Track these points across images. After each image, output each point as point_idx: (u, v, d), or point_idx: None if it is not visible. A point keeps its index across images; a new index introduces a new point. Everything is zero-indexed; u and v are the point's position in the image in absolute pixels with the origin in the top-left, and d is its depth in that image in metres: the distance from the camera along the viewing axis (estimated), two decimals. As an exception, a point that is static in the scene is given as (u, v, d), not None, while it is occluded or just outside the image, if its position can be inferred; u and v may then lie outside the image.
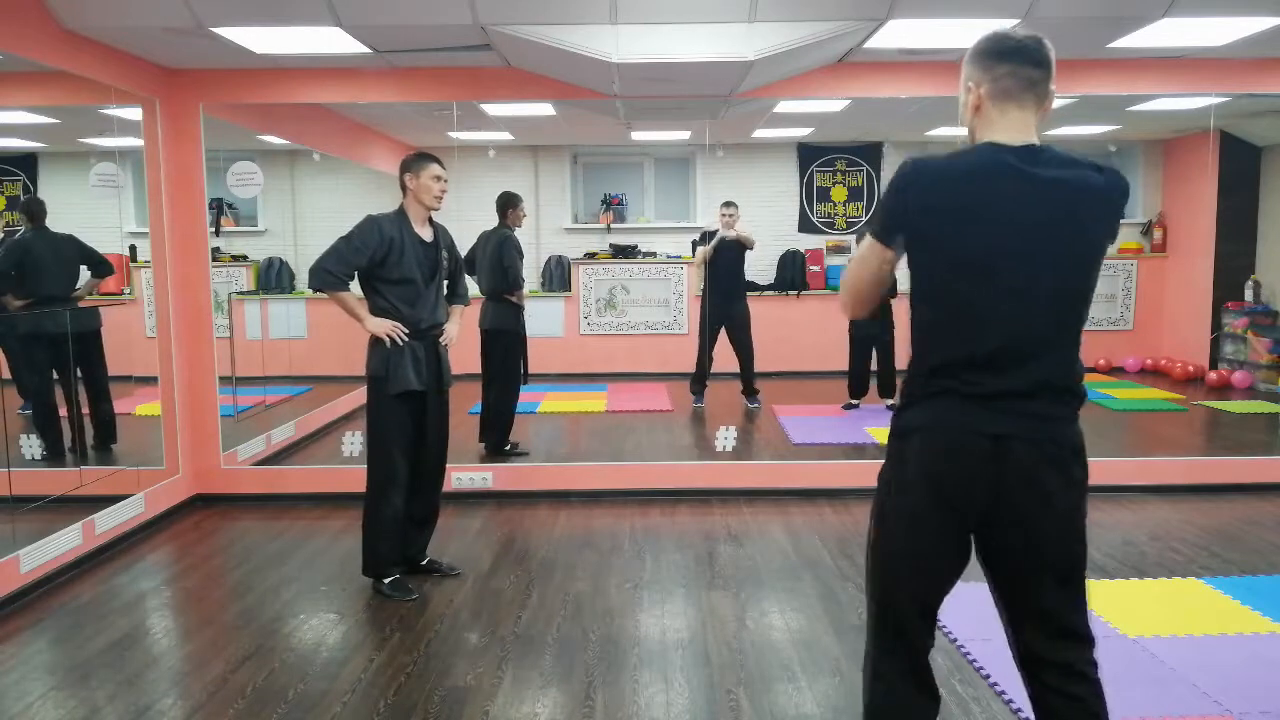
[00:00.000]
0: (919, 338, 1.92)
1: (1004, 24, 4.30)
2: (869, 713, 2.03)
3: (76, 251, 5.45)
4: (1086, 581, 1.93)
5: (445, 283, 3.99)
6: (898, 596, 1.97)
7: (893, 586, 1.97)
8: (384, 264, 3.74)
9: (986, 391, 1.83)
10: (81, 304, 5.49)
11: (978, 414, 1.83)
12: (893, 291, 8.32)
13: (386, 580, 3.88)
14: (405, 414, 3.82)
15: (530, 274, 9.35)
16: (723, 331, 7.45)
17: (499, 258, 5.89)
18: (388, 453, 3.81)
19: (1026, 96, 1.85)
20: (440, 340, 3.91)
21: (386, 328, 3.74)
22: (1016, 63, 1.84)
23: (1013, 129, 1.85)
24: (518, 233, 6.06)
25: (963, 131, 1.97)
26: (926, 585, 1.95)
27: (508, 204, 6.02)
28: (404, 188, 3.85)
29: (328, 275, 3.70)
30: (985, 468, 1.83)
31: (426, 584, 3.99)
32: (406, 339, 3.76)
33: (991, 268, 1.82)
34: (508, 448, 6.12)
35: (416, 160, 3.84)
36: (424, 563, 4.09)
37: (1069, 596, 1.91)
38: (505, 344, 6.00)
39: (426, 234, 3.88)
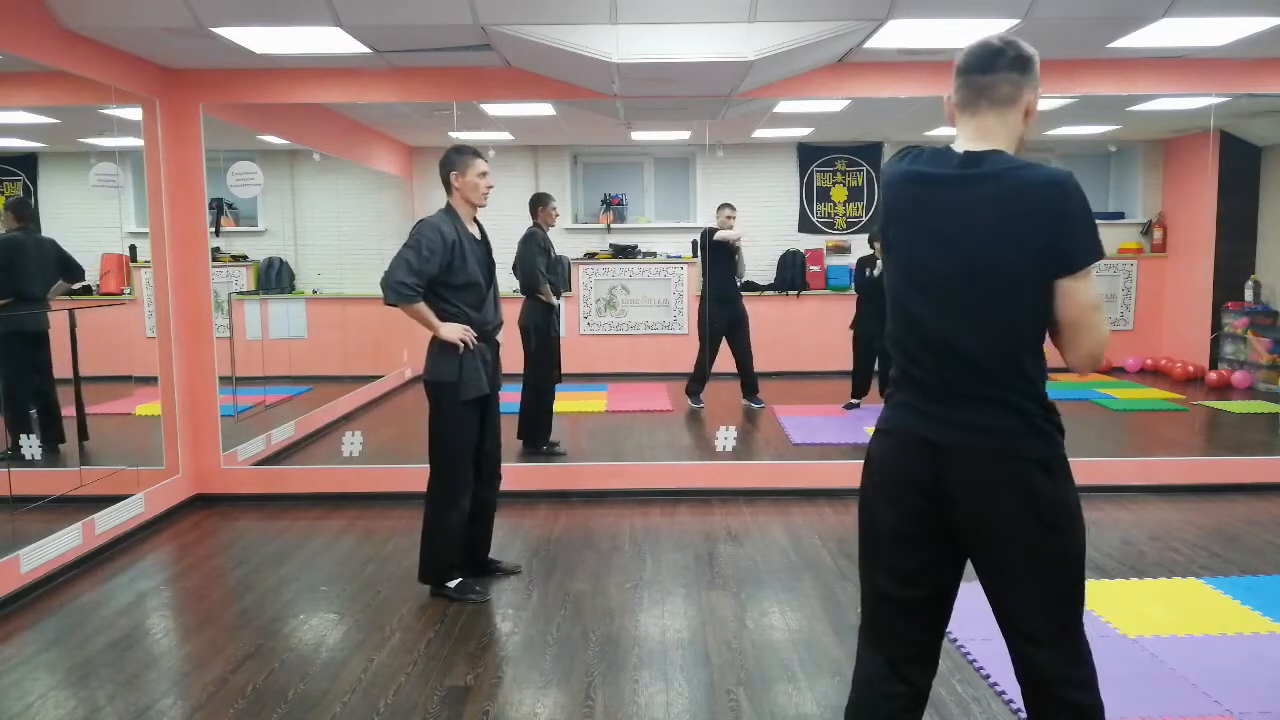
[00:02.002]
0: (890, 342, 2.00)
1: (1003, 24, 4.32)
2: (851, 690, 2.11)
3: (55, 254, 5.50)
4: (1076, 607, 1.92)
5: None
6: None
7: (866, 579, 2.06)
8: (450, 269, 3.62)
9: (927, 400, 1.89)
10: (84, 304, 5.52)
11: (920, 422, 1.90)
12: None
13: (451, 584, 3.85)
14: (474, 418, 3.77)
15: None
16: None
17: (517, 255, 5.96)
18: (461, 459, 3.76)
19: (979, 103, 1.88)
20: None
21: (459, 333, 3.64)
22: (966, 74, 1.90)
23: (968, 135, 1.90)
24: (551, 233, 6.14)
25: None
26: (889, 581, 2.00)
27: (537, 203, 6.08)
28: (448, 186, 3.72)
29: (404, 288, 3.52)
30: (921, 470, 1.88)
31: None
32: (477, 343, 3.70)
33: (920, 275, 1.89)
34: (545, 447, 6.15)
35: (460, 157, 3.69)
36: (485, 562, 4.08)
37: (1049, 621, 1.90)
38: (534, 341, 6.02)
39: (475, 232, 3.80)
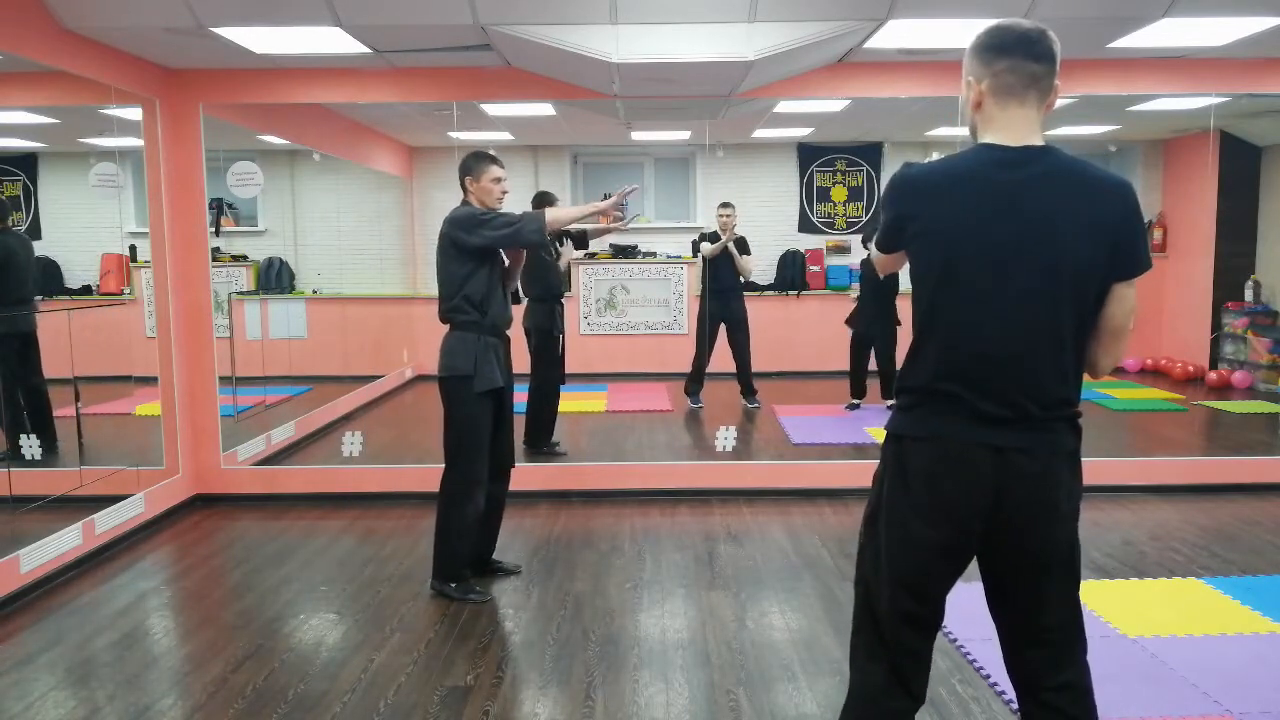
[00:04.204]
0: (914, 343, 1.91)
1: (1004, 24, 4.32)
2: (848, 701, 2.04)
3: (34, 254, 5.50)
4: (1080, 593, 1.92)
5: None
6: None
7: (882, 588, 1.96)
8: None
9: (983, 405, 1.80)
10: (84, 304, 5.52)
11: (976, 428, 1.81)
12: (895, 290, 8.17)
13: (456, 584, 3.85)
14: (488, 412, 3.81)
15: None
16: (721, 330, 7.47)
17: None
18: (477, 453, 3.78)
19: (1028, 93, 1.79)
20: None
21: (615, 200, 3.84)
22: (1017, 58, 1.78)
23: (1013, 127, 1.81)
24: None
25: (963, 131, 1.95)
26: (912, 590, 1.93)
27: (541, 204, 6.03)
28: (465, 190, 3.81)
29: (525, 230, 3.64)
30: (983, 478, 1.80)
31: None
32: (489, 338, 3.77)
33: (963, 275, 1.80)
34: (545, 448, 6.14)
35: (476, 162, 3.78)
36: (487, 562, 4.08)
37: (1070, 609, 1.90)
38: (537, 342, 6.01)
39: None
